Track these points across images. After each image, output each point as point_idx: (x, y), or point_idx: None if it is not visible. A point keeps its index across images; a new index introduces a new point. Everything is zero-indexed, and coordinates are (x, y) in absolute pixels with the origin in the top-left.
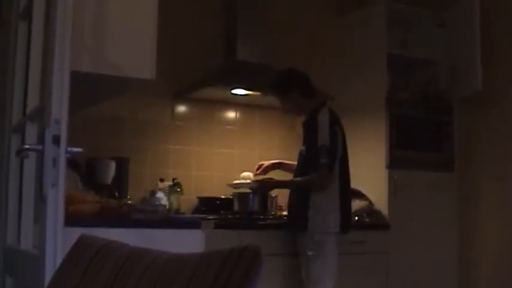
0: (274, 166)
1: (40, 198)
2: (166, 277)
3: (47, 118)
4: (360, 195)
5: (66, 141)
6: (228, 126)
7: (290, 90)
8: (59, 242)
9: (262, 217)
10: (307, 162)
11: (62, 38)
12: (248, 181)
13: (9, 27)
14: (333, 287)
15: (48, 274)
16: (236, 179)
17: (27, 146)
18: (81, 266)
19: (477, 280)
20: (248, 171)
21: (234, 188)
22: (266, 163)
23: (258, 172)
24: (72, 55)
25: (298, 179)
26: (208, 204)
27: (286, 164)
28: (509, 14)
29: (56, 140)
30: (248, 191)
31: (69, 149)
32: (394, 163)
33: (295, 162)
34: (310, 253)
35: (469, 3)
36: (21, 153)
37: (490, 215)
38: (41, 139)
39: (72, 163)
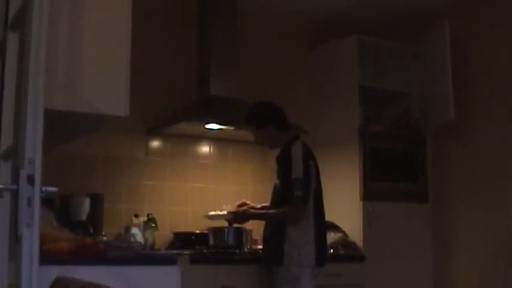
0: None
1: (15, 238)
2: None
3: (20, 157)
4: (334, 227)
5: (40, 180)
6: (202, 161)
7: (264, 123)
8: (34, 282)
9: (237, 251)
10: (282, 195)
11: (35, 77)
12: (224, 212)
13: None
14: None
15: None
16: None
17: (1, 186)
18: None
19: None
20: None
21: (210, 219)
22: (249, 205)
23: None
24: (46, 93)
25: (272, 210)
26: (183, 239)
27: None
28: (480, 45)
29: (31, 180)
30: (223, 224)
31: (44, 188)
32: (368, 195)
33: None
34: (286, 287)
35: (440, 35)
36: None
37: (465, 245)
38: (15, 179)
39: (47, 201)
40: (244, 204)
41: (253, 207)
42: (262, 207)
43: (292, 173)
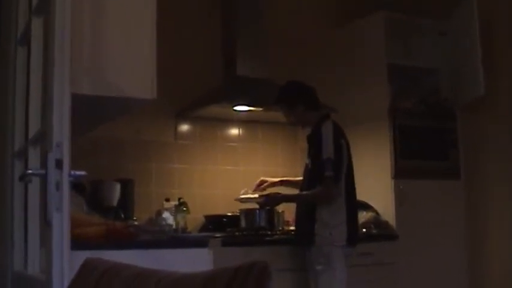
0: (276, 184)
1: (45, 223)
2: None
3: (48, 142)
4: (366, 206)
5: (69, 164)
6: (232, 143)
7: (295, 102)
8: (65, 266)
9: (269, 233)
10: (313, 175)
11: (60, 62)
12: (255, 195)
13: (8, 53)
14: None
15: None
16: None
17: (30, 171)
18: None
19: None
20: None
21: (241, 202)
22: (268, 181)
23: (257, 189)
24: (72, 78)
25: (304, 192)
26: (214, 222)
27: (289, 180)
28: (509, 18)
29: (59, 164)
30: (255, 206)
31: (72, 172)
32: (399, 173)
33: (299, 178)
34: (318, 267)
35: (468, 10)
36: (24, 178)
37: (499, 222)
38: (43, 163)
39: (78, 186)
40: (264, 182)
41: (272, 183)
42: (282, 182)
43: (323, 153)
